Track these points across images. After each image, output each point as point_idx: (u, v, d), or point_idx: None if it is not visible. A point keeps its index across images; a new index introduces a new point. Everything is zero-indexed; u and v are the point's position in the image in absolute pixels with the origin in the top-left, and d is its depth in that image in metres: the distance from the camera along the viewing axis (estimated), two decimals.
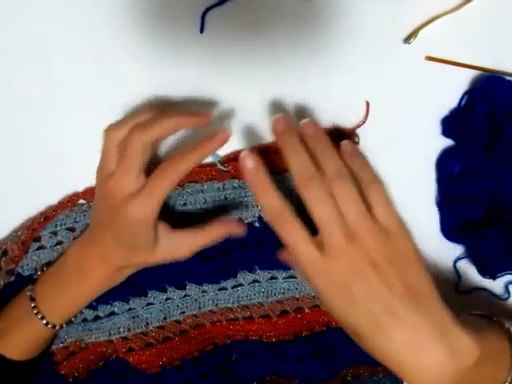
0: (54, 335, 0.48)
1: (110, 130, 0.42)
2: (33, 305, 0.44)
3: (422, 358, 0.34)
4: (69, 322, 0.47)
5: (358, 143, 0.49)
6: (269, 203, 0.38)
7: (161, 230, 0.43)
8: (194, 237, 0.44)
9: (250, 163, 0.38)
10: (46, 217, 0.48)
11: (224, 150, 0.49)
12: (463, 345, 0.35)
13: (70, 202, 0.48)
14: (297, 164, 0.38)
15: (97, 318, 0.49)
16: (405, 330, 0.35)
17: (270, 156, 0.48)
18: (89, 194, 0.48)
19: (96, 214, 0.44)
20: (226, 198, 0.48)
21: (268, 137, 0.49)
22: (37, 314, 0.44)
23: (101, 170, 0.43)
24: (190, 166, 0.41)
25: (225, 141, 0.42)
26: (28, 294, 0.45)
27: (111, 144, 0.42)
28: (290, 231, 0.37)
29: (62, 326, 0.46)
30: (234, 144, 0.49)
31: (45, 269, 0.47)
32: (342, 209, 0.36)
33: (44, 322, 0.44)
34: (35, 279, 0.46)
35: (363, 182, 0.38)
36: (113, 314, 0.49)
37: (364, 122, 0.49)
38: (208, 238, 0.44)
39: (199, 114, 0.43)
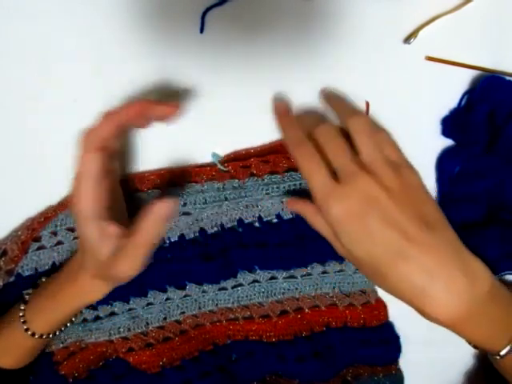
0: (47, 342, 0.47)
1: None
2: (21, 314, 0.44)
3: (445, 283, 0.35)
4: (61, 329, 0.46)
5: None
6: (293, 133, 0.41)
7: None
8: (133, 253, 0.40)
9: (279, 102, 0.45)
10: (46, 217, 0.48)
11: (224, 150, 0.49)
12: (478, 270, 0.36)
13: (70, 202, 0.48)
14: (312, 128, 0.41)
15: (97, 318, 0.49)
16: (426, 254, 0.35)
17: (270, 156, 0.48)
18: None
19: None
20: (226, 199, 0.48)
21: (268, 137, 0.49)
22: (23, 322, 0.43)
23: None
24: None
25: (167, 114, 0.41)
26: (22, 305, 0.44)
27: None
28: (309, 161, 0.39)
29: (48, 336, 0.45)
30: (233, 144, 0.49)
31: (44, 279, 0.47)
32: (353, 145, 0.39)
33: (29, 332, 0.43)
34: (36, 284, 0.46)
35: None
36: (113, 314, 0.49)
37: None
38: (145, 246, 0.40)
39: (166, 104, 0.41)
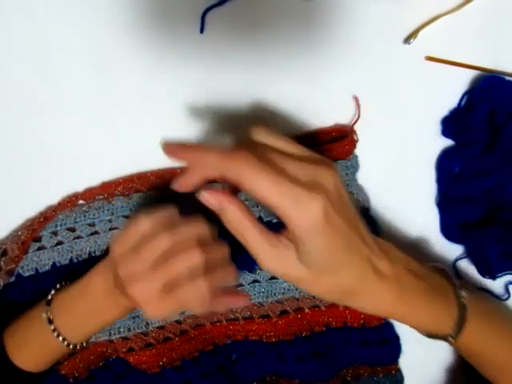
0: None
1: (144, 218, 0.40)
2: (52, 327, 0.43)
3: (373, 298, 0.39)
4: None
5: (356, 141, 0.49)
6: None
7: None
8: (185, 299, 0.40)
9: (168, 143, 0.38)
10: (45, 217, 0.48)
11: None
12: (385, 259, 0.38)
13: (69, 202, 0.48)
14: None
15: None
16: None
17: None
18: (89, 195, 0.48)
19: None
20: None
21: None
22: (58, 336, 0.44)
23: (119, 248, 0.41)
24: (212, 290, 0.39)
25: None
26: (44, 316, 0.44)
27: (137, 233, 0.40)
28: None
29: (82, 345, 0.46)
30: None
31: (58, 286, 0.46)
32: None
33: (66, 343, 0.44)
34: (49, 300, 0.45)
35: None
36: None
37: (358, 119, 0.48)
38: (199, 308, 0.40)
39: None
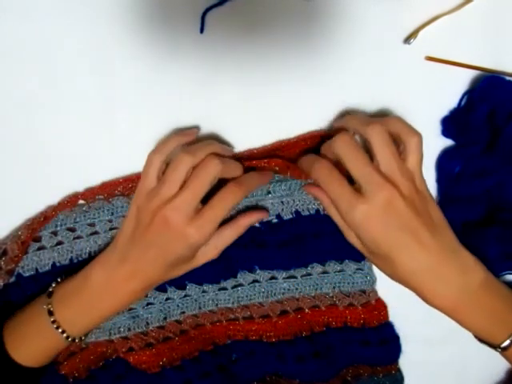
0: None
1: (154, 153, 0.44)
2: (52, 319, 0.44)
3: (441, 277, 0.41)
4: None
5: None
6: (319, 163, 0.43)
7: None
8: (220, 236, 0.45)
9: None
10: (45, 217, 0.48)
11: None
12: (471, 265, 0.42)
13: (69, 202, 0.48)
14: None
15: None
16: (429, 255, 0.41)
17: (272, 161, 0.47)
18: (89, 194, 0.48)
19: (132, 234, 0.44)
20: None
21: (267, 136, 0.49)
22: (57, 328, 0.44)
23: (144, 191, 0.44)
24: (244, 195, 0.45)
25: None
26: (45, 307, 0.44)
27: (154, 167, 0.43)
28: (329, 178, 0.42)
29: (81, 339, 0.46)
30: (234, 143, 0.49)
31: (59, 279, 0.46)
32: (377, 156, 0.41)
33: (65, 335, 0.44)
34: (50, 292, 0.45)
35: (403, 133, 0.42)
36: None
37: None
38: (234, 235, 0.46)
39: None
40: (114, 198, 0.48)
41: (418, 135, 0.42)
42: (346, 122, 0.45)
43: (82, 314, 0.44)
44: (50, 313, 0.44)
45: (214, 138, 0.49)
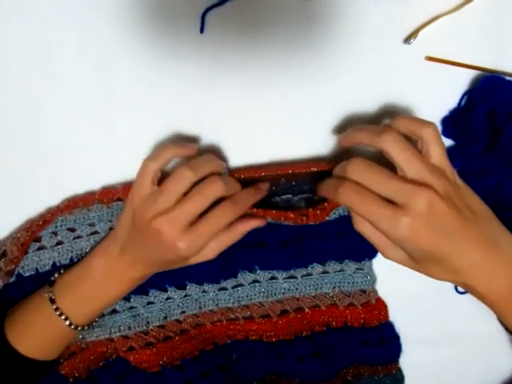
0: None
1: (149, 161, 0.44)
2: (54, 306, 0.44)
3: (488, 268, 0.40)
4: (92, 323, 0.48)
5: None
6: (343, 187, 0.41)
7: None
8: (217, 241, 0.44)
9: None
10: (44, 220, 0.48)
11: (224, 149, 0.49)
12: None
13: (68, 206, 0.48)
14: None
15: None
16: (476, 249, 0.40)
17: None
18: (87, 199, 0.48)
19: (129, 232, 0.44)
20: None
21: (267, 135, 0.49)
22: (60, 315, 0.44)
23: (138, 196, 0.43)
24: (240, 213, 0.44)
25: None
26: (46, 295, 0.45)
27: (149, 173, 0.43)
28: (359, 197, 0.40)
29: (83, 328, 0.46)
30: (233, 143, 0.49)
31: (62, 271, 0.47)
32: (400, 164, 0.40)
33: (68, 322, 0.45)
34: (51, 281, 0.46)
35: (415, 129, 0.41)
36: (114, 311, 0.49)
37: None
38: (230, 240, 0.45)
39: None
40: (112, 204, 0.48)
41: (432, 124, 0.41)
42: (354, 138, 0.43)
43: (85, 301, 0.45)
44: (52, 301, 0.45)
45: (214, 139, 0.49)
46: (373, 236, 0.42)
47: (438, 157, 0.40)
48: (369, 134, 0.41)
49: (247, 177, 0.47)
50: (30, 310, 0.45)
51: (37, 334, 0.45)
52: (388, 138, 0.39)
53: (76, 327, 0.45)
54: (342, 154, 0.49)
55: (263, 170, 0.47)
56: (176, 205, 0.42)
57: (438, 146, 0.40)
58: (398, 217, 0.38)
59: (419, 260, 0.41)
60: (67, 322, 0.45)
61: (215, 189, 0.42)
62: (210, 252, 0.45)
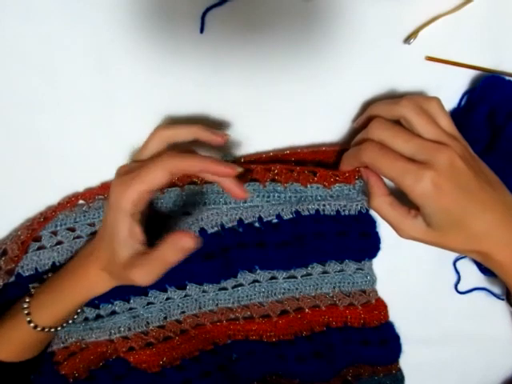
0: (50, 337, 0.48)
1: (164, 130, 0.43)
2: (25, 305, 0.44)
3: (504, 231, 0.41)
4: (63, 325, 0.47)
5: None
6: (366, 146, 0.42)
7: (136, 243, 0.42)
8: (150, 266, 0.41)
9: None
10: (45, 217, 0.48)
11: (223, 149, 0.49)
12: None
13: (69, 203, 0.48)
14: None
15: (98, 316, 0.49)
16: (493, 212, 0.41)
17: (273, 165, 0.47)
18: (89, 194, 0.48)
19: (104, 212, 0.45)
20: (225, 202, 0.47)
21: (267, 135, 0.49)
22: (27, 314, 0.44)
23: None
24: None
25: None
26: (27, 297, 0.45)
27: (154, 144, 0.43)
28: (382, 155, 0.41)
29: (49, 330, 0.45)
30: (233, 143, 0.49)
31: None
32: (418, 127, 0.41)
33: (32, 324, 0.44)
34: (43, 279, 0.47)
35: (421, 103, 0.42)
36: (114, 313, 0.49)
37: None
38: (163, 265, 0.41)
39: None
40: None
41: (435, 98, 0.42)
42: (372, 111, 0.45)
43: (49, 298, 0.45)
44: (30, 296, 0.45)
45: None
46: (390, 212, 0.43)
47: (448, 125, 0.42)
48: (386, 105, 0.43)
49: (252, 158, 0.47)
50: (5, 316, 0.45)
51: (7, 336, 0.45)
52: (405, 104, 0.42)
53: (42, 329, 0.44)
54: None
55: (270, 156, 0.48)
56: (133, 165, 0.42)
57: (446, 117, 0.42)
58: (422, 171, 0.39)
59: (438, 226, 0.41)
60: (32, 325, 0.44)
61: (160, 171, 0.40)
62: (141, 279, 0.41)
